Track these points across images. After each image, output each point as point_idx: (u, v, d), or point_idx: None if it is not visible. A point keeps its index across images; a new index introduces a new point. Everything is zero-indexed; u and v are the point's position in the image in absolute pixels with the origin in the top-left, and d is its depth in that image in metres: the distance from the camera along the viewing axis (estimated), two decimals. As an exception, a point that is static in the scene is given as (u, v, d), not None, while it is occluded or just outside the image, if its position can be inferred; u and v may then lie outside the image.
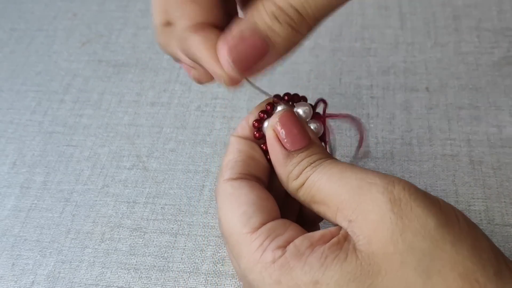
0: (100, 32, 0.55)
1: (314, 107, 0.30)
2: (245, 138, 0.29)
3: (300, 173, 0.26)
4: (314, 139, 0.27)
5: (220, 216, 0.27)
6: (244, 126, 0.29)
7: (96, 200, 0.41)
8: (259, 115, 0.29)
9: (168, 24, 0.26)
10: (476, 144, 0.40)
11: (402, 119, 0.43)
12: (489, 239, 0.23)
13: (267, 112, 0.29)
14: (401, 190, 0.23)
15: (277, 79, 0.47)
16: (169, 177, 0.41)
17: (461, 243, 0.22)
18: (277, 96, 0.29)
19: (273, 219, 0.26)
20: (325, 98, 0.42)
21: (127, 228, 0.39)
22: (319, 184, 0.25)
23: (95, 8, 0.58)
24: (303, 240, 0.24)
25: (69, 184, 0.42)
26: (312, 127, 0.28)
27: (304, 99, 0.30)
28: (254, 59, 0.24)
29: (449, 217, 0.23)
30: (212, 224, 0.38)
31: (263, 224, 0.25)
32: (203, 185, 0.41)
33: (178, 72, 0.49)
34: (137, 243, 0.38)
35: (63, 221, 0.40)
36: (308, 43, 0.50)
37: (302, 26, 0.23)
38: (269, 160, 0.29)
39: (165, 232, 0.38)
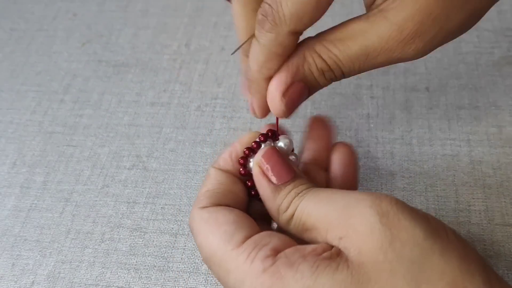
0: (100, 32, 0.55)
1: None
2: (226, 171, 0.30)
3: (289, 204, 0.27)
4: (297, 170, 0.28)
5: (200, 242, 0.27)
6: (226, 159, 0.30)
7: (96, 200, 0.41)
8: (244, 152, 0.30)
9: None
10: (476, 144, 0.40)
11: (402, 119, 0.43)
12: (478, 252, 0.24)
13: (252, 149, 0.30)
14: (388, 203, 0.23)
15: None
16: (169, 177, 0.41)
17: (450, 253, 0.22)
18: (261, 133, 0.31)
19: (256, 232, 0.26)
20: (325, 98, 0.42)
21: (127, 228, 0.39)
22: (308, 210, 0.26)
23: (95, 8, 0.58)
24: (294, 251, 0.24)
25: (69, 184, 0.42)
26: (290, 159, 0.30)
27: (283, 132, 0.32)
28: (299, 101, 0.29)
29: (438, 229, 0.23)
30: (212, 224, 0.38)
31: (247, 238, 0.26)
32: (203, 185, 0.41)
33: (178, 72, 0.49)
34: (137, 243, 0.38)
35: (63, 221, 0.40)
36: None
37: (339, 79, 0.29)
38: (253, 196, 0.30)
39: (165, 232, 0.38)
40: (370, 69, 0.28)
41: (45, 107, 0.48)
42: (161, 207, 0.40)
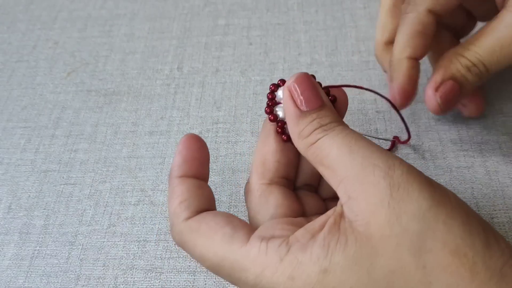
0: (85, 60, 0.52)
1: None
2: (189, 177, 0.29)
3: (311, 133, 0.27)
4: (327, 102, 0.28)
5: (200, 253, 0.26)
6: (180, 163, 0.29)
7: (104, 241, 0.38)
8: (271, 88, 0.30)
9: (389, 43, 0.39)
10: (490, 154, 0.40)
11: (412, 133, 0.42)
12: (478, 215, 0.25)
13: (278, 85, 0.30)
14: (400, 175, 0.24)
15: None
16: (179, 211, 0.39)
17: (453, 221, 0.23)
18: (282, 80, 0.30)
19: (255, 229, 0.27)
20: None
21: (141, 270, 0.37)
22: (328, 151, 0.26)
23: (76, 35, 0.55)
24: (304, 233, 0.25)
25: (72, 226, 0.40)
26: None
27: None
28: (452, 97, 0.34)
29: (442, 197, 0.24)
30: (231, 258, 0.37)
31: (249, 234, 0.26)
32: (216, 216, 0.39)
33: (173, 97, 0.47)
34: (153, 285, 0.36)
35: (70, 267, 0.37)
36: (304, 59, 0.49)
37: (485, 76, 0.34)
38: (285, 141, 0.30)
39: (182, 270, 0.36)
40: (510, 60, 0.32)
41: (35, 144, 0.46)
42: (174, 244, 0.38)
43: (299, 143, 0.28)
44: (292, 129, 0.28)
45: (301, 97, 0.27)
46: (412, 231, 0.23)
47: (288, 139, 0.29)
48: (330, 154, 0.26)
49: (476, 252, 0.23)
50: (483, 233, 0.24)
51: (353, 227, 0.24)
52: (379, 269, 0.23)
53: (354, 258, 0.23)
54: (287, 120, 0.28)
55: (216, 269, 0.26)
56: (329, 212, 0.26)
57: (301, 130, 0.27)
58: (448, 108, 0.34)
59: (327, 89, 0.30)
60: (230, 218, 0.27)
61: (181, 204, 0.27)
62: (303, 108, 0.27)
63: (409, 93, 0.35)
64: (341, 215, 0.25)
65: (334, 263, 0.23)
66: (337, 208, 0.25)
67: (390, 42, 0.38)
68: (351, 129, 0.27)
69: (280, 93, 0.30)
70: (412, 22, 0.34)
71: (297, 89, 0.28)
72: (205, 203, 0.28)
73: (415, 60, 0.36)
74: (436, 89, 0.34)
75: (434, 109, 0.34)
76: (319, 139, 0.26)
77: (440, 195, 0.24)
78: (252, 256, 0.25)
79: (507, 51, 0.32)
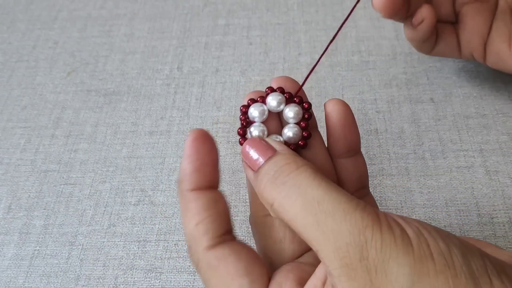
0: (85, 60, 0.52)
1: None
2: (203, 189, 0.26)
3: (265, 189, 0.25)
4: (281, 149, 0.26)
5: None
6: (191, 172, 0.26)
7: (104, 242, 0.38)
8: (241, 110, 0.28)
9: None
10: (490, 154, 0.40)
11: (412, 133, 0.42)
12: (467, 259, 0.21)
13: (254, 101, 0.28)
14: (374, 255, 0.21)
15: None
16: (179, 211, 0.39)
17: (438, 283, 0.20)
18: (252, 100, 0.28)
19: (269, 280, 0.25)
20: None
21: (141, 270, 0.37)
22: (290, 210, 0.23)
23: (76, 35, 0.55)
24: None
25: (72, 226, 0.40)
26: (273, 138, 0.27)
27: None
28: None
29: (422, 262, 0.21)
30: (231, 258, 0.37)
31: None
32: (216, 216, 0.39)
33: (173, 97, 0.47)
34: (153, 285, 0.36)
35: (70, 267, 0.37)
36: (304, 59, 0.49)
37: None
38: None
39: (182, 270, 0.36)
40: None
41: (35, 144, 0.45)
42: (175, 244, 0.38)
43: (264, 204, 0.25)
44: (256, 191, 0.26)
45: (254, 157, 0.25)
46: None
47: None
48: (295, 218, 0.23)
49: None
50: (473, 285, 0.21)
51: None
52: None
53: None
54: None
55: None
56: (317, 273, 0.24)
57: (259, 189, 0.25)
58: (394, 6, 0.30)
59: (300, 98, 0.28)
60: (251, 267, 0.25)
61: (198, 227, 0.25)
62: (258, 163, 0.25)
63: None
64: (324, 283, 0.23)
65: None
66: (316, 273, 0.24)
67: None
68: (311, 171, 0.24)
69: (251, 110, 0.28)
70: None
71: (248, 153, 0.26)
72: (224, 224, 0.26)
73: None
74: None
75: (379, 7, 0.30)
76: (276, 196, 0.24)
77: (420, 260, 0.21)
78: None
79: None
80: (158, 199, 0.40)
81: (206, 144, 0.26)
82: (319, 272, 0.24)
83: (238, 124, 0.44)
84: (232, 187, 0.40)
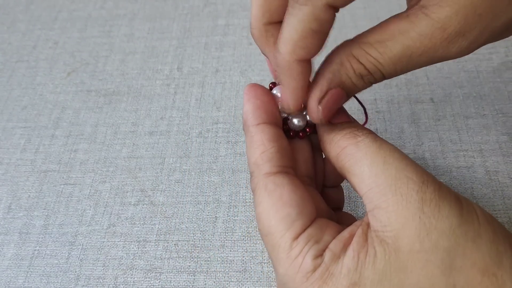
0: (85, 60, 0.52)
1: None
2: (270, 124, 0.28)
3: (341, 138, 0.27)
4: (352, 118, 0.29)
5: (260, 211, 0.26)
6: (253, 109, 0.28)
7: (104, 242, 0.38)
8: (270, 86, 0.30)
9: (269, 24, 0.28)
10: (489, 154, 0.40)
11: (412, 133, 0.42)
12: (505, 229, 0.24)
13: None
14: (432, 191, 0.24)
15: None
16: (179, 211, 0.39)
17: (481, 239, 0.23)
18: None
19: (312, 221, 0.26)
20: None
21: (141, 270, 0.37)
22: (359, 158, 0.26)
23: (76, 35, 0.55)
24: (336, 243, 0.25)
25: (72, 226, 0.40)
26: (295, 121, 0.29)
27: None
28: (336, 105, 0.27)
29: (470, 214, 0.24)
30: (231, 259, 0.37)
31: (304, 229, 0.25)
32: (216, 216, 0.39)
33: (173, 97, 0.47)
34: (153, 285, 0.36)
35: (70, 267, 0.37)
36: (304, 60, 0.49)
37: (378, 82, 0.27)
38: (291, 137, 0.29)
39: (182, 271, 0.36)
40: (412, 70, 0.26)
41: (35, 144, 0.46)
42: (174, 244, 0.38)
43: (330, 148, 0.27)
44: (323, 135, 0.28)
45: (331, 107, 0.27)
46: (442, 248, 0.23)
47: (295, 135, 0.29)
48: (362, 162, 0.26)
49: (505, 271, 0.23)
50: (510, 250, 0.23)
51: (380, 238, 0.24)
52: (408, 286, 0.23)
53: (383, 272, 0.23)
54: (318, 128, 0.29)
55: (261, 235, 0.27)
56: (358, 222, 0.26)
57: (332, 135, 0.27)
58: (329, 117, 0.28)
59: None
60: (302, 202, 0.26)
61: (262, 155, 0.27)
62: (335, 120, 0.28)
63: (303, 97, 0.28)
64: (368, 224, 0.25)
65: (364, 277, 0.23)
66: (364, 218, 0.25)
67: (271, 23, 0.29)
68: (385, 140, 0.27)
69: (275, 91, 0.29)
70: (306, 18, 0.25)
71: (328, 101, 0.27)
72: (286, 158, 0.28)
73: (307, 62, 0.27)
74: (320, 101, 0.27)
75: (316, 122, 0.28)
76: (349, 145, 0.26)
77: (468, 212, 0.24)
78: (292, 255, 0.25)
79: (414, 63, 0.25)
80: (158, 199, 0.40)
81: (262, 88, 0.29)
82: (359, 221, 0.26)
83: (238, 124, 0.45)
84: (232, 187, 0.40)
